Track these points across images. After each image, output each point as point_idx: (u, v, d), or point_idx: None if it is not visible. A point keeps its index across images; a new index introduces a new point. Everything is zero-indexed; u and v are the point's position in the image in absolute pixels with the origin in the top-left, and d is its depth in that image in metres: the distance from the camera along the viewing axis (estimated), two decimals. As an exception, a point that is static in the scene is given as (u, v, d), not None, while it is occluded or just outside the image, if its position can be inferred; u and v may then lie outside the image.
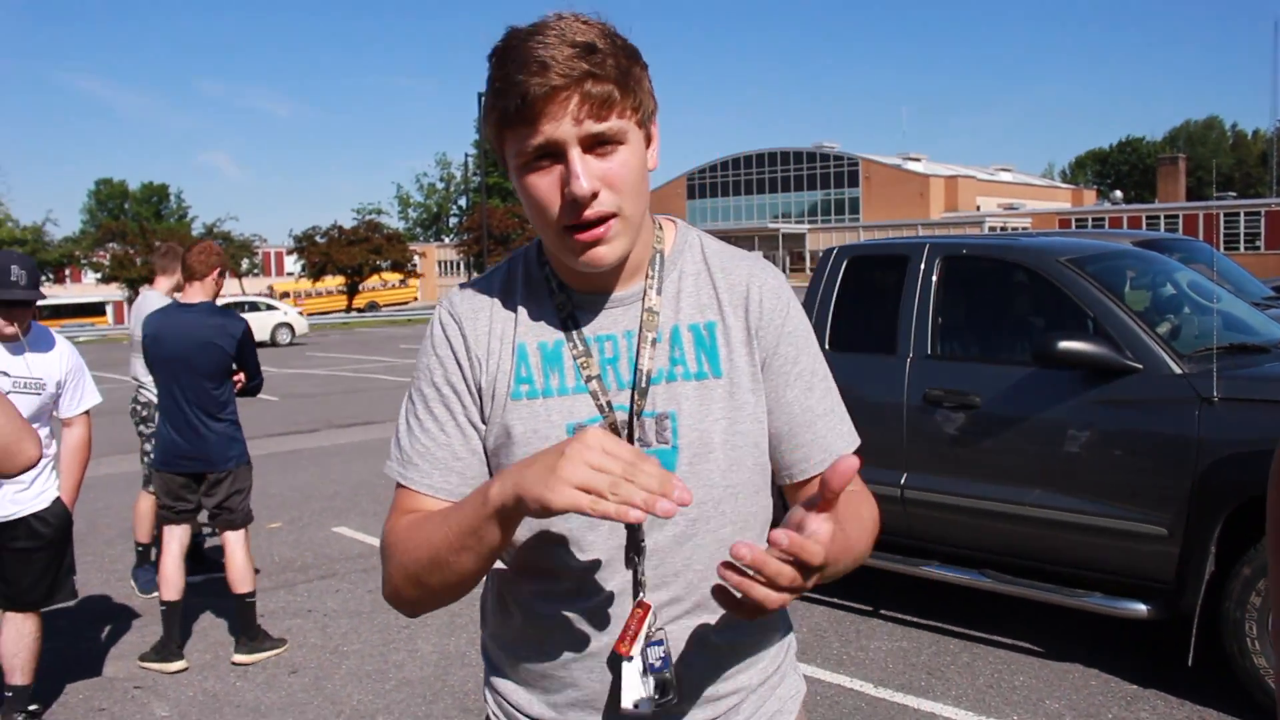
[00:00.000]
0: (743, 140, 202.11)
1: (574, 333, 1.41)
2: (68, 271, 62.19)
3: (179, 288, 6.05)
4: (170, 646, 4.99)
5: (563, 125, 1.26)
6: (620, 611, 1.38)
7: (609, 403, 1.38)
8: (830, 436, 1.46)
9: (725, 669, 1.45)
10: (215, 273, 5.12)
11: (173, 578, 4.95)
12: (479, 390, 1.42)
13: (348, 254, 51.19)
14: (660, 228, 1.48)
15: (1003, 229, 52.23)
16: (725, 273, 1.46)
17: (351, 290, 54.02)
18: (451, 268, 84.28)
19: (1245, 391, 4.20)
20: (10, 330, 4.01)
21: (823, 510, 1.16)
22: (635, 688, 1.33)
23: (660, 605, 1.38)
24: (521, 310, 1.43)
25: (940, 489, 4.87)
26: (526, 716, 1.49)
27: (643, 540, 1.37)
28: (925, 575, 5.07)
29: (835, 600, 5.56)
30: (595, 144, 1.29)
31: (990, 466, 4.78)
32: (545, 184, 1.30)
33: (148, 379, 6.02)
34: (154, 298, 6.16)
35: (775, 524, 1.38)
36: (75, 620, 5.73)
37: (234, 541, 5.08)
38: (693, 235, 1.51)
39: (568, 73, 1.24)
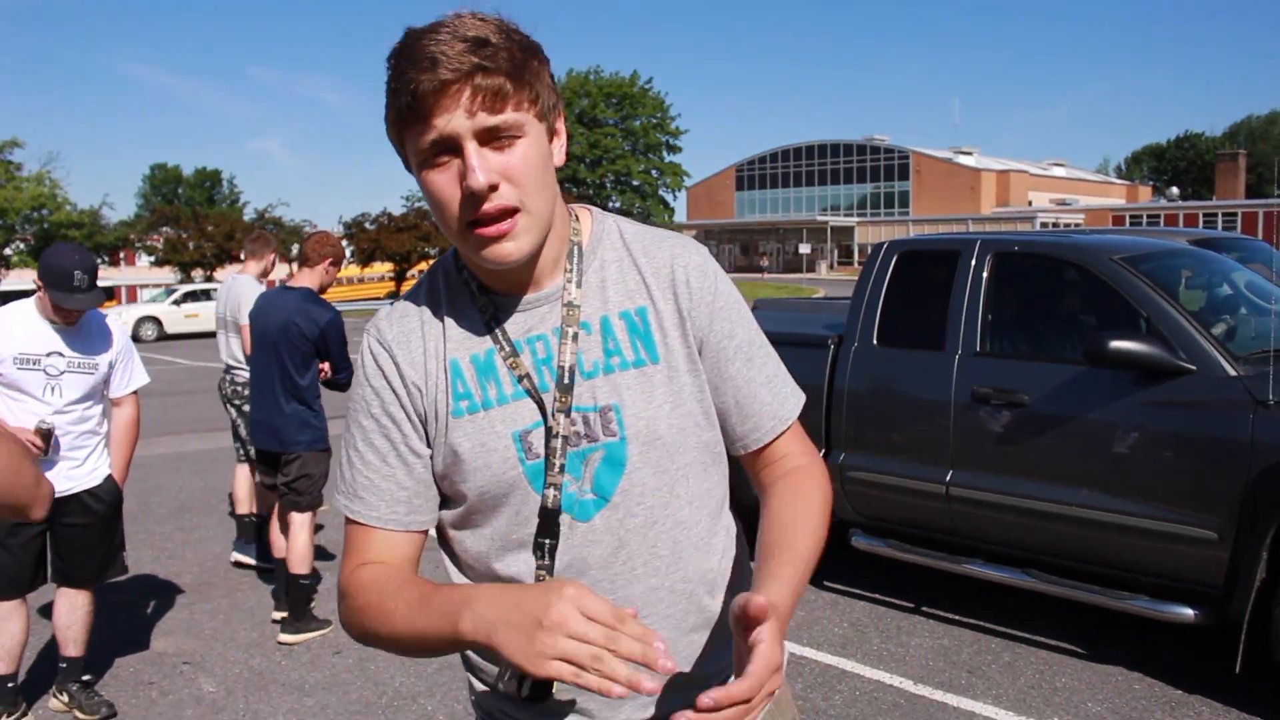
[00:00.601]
0: (793, 132, 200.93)
1: (501, 337, 1.40)
2: (122, 254, 63.24)
3: (266, 272, 6.27)
4: (307, 615, 5.22)
5: (455, 119, 1.25)
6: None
7: (545, 402, 1.38)
8: (775, 403, 1.49)
9: (701, 655, 1.46)
10: (326, 262, 5.30)
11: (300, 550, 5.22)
12: (420, 416, 1.41)
13: (396, 241, 51.50)
14: (576, 219, 1.46)
15: (1055, 225, 51.54)
16: (648, 256, 1.45)
17: (399, 277, 54.41)
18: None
19: (1302, 395, 4.12)
20: (70, 320, 4.10)
21: (754, 636, 1.17)
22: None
23: (635, 596, 1.39)
24: (449, 323, 1.42)
25: (986, 487, 4.82)
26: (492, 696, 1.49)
27: (576, 535, 1.39)
28: (968, 573, 5.04)
29: (876, 596, 5.54)
30: (491, 137, 1.27)
31: (1037, 466, 4.73)
32: (444, 180, 1.29)
33: (234, 360, 6.26)
34: (244, 281, 6.28)
35: (733, 492, 1.49)
36: (126, 596, 5.85)
37: (298, 523, 5.20)
38: (609, 222, 1.49)
39: (458, 67, 1.23)
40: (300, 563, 5.18)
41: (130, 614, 5.56)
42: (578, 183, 77.81)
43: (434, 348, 1.41)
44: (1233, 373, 4.29)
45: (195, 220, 53.79)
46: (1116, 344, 4.41)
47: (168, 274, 58.74)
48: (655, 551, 1.41)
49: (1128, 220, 51.78)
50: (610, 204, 79.94)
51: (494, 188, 1.27)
